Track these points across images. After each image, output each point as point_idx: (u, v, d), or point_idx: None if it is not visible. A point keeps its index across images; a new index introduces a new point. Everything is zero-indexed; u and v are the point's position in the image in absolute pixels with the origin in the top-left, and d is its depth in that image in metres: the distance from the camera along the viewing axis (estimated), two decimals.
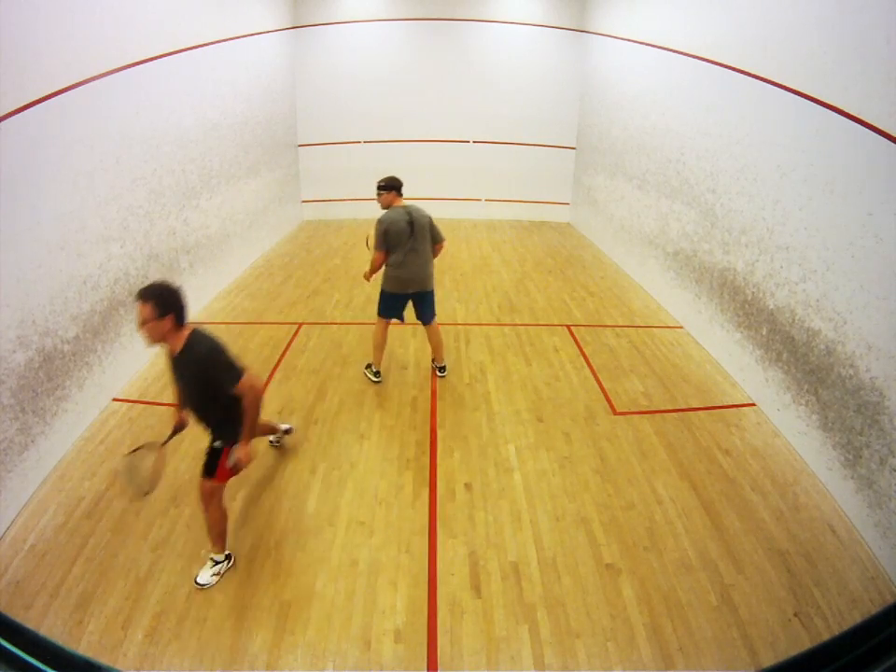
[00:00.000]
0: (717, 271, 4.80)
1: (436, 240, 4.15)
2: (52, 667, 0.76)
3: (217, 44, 5.91)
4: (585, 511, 3.10)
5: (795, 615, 2.51)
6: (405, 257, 4.00)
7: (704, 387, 4.40)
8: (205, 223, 5.84)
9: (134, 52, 4.39)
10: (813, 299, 3.53)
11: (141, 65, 4.46)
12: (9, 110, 3.04)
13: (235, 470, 2.61)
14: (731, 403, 4.20)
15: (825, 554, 2.84)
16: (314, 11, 8.74)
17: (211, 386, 2.45)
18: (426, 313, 4.29)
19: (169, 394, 4.16)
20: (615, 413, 4.04)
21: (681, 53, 5.48)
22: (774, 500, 3.22)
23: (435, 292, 4.34)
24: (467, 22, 8.88)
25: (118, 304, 4.21)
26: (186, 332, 2.42)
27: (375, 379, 4.37)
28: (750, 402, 4.19)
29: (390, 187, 4.01)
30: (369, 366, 4.45)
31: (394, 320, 4.28)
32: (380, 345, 4.31)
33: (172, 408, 2.79)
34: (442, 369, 4.50)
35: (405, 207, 4.00)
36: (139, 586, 2.61)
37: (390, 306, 4.22)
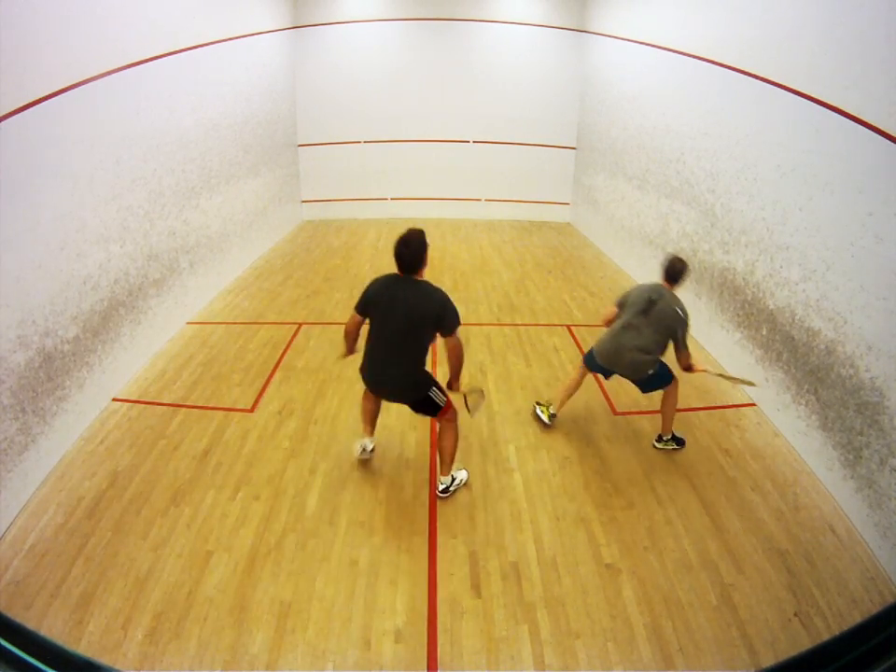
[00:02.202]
0: (717, 271, 4.80)
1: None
2: (52, 667, 0.76)
3: (217, 44, 5.91)
4: (585, 511, 3.10)
5: (795, 615, 2.51)
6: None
7: (704, 387, 4.40)
8: (205, 223, 5.84)
9: (134, 52, 4.39)
10: (813, 299, 3.53)
11: (141, 65, 4.46)
12: (9, 110, 3.04)
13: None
14: (731, 403, 4.20)
15: (825, 554, 2.85)
16: (314, 11, 8.73)
17: None
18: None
19: (169, 394, 4.19)
20: (615, 413, 4.04)
21: (681, 53, 5.48)
22: (774, 500, 3.22)
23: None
24: (467, 22, 8.87)
25: (118, 304, 4.21)
26: None
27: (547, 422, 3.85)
28: (750, 402, 4.19)
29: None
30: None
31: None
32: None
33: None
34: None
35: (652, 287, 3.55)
36: (139, 586, 2.61)
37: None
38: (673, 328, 3.37)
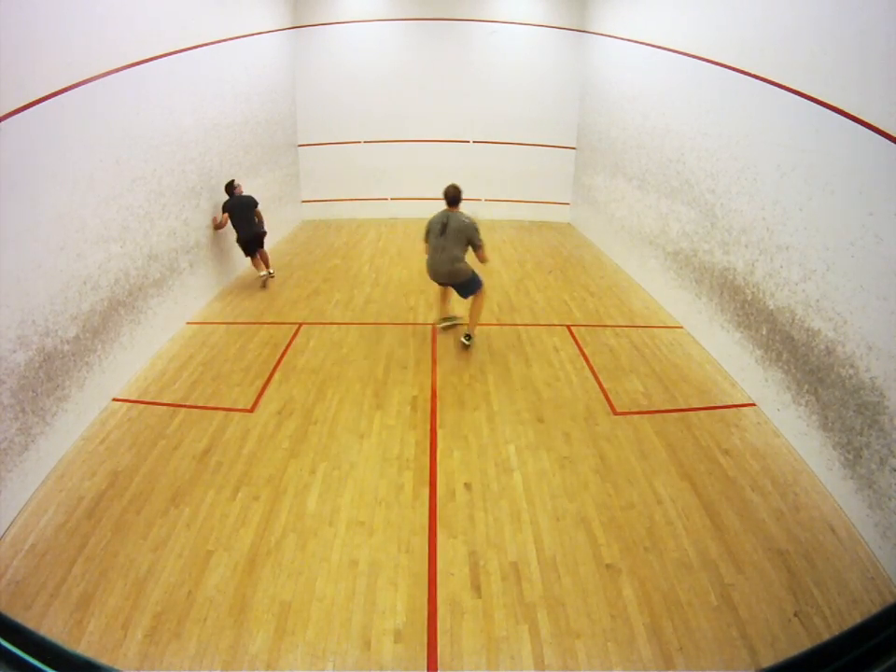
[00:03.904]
0: (717, 271, 4.80)
1: (473, 245, 4.71)
2: (52, 667, 0.76)
3: (217, 44, 5.91)
4: (585, 511, 3.10)
5: (795, 615, 2.51)
6: (433, 251, 4.77)
7: (704, 387, 4.40)
8: (205, 223, 5.85)
9: (134, 52, 4.39)
10: (813, 299, 3.53)
11: (141, 65, 4.46)
12: (9, 110, 3.04)
13: None
14: (731, 403, 4.19)
15: (825, 554, 2.84)
16: (314, 11, 8.74)
17: None
18: (461, 294, 4.99)
19: (169, 394, 4.19)
20: (615, 413, 4.04)
21: (681, 53, 5.48)
22: (774, 500, 3.22)
23: (468, 282, 4.84)
24: (467, 22, 8.87)
25: (118, 304, 4.21)
26: None
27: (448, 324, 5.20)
28: (750, 402, 4.19)
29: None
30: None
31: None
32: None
33: None
34: (468, 337, 4.97)
35: (445, 212, 4.77)
36: (139, 586, 2.61)
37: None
38: (467, 234, 4.62)
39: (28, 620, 2.40)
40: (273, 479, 3.32)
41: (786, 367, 3.81)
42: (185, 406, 4.05)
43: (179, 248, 5.24)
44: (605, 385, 4.37)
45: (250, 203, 6.18)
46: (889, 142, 2.90)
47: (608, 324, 5.55)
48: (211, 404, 4.08)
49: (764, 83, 4.07)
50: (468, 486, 3.28)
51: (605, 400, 4.19)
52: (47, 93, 3.35)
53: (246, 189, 7.11)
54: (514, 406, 4.10)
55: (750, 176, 4.26)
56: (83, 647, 2.33)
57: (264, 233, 6.37)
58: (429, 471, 3.41)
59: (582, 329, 5.41)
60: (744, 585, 2.65)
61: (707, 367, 4.72)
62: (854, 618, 2.49)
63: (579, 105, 9.09)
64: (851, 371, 3.15)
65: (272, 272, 6.43)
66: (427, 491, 3.24)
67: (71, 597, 2.55)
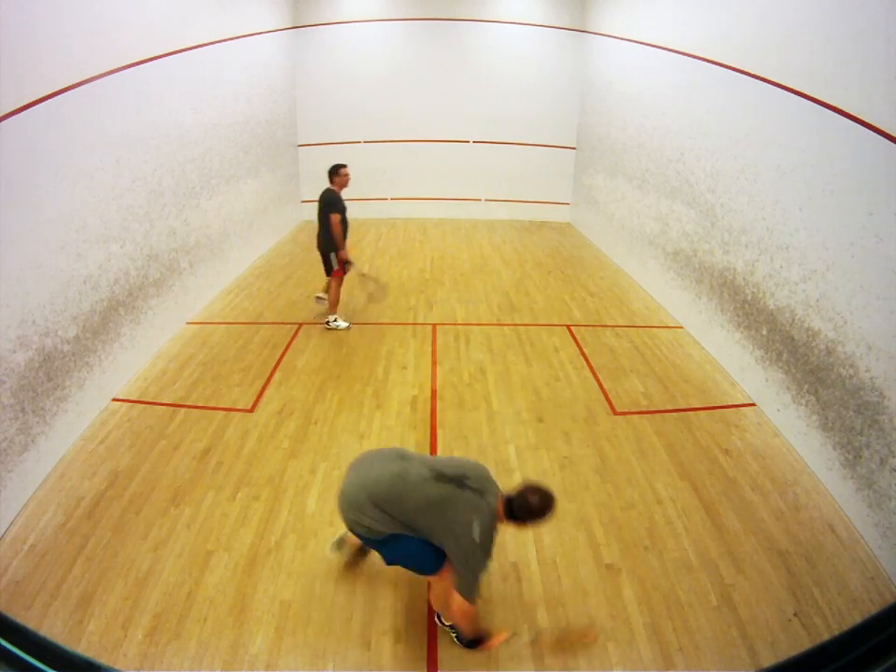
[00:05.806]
0: (717, 271, 4.80)
1: None
2: (52, 667, 0.76)
3: (216, 44, 5.91)
4: (585, 511, 3.10)
5: (795, 615, 2.51)
6: None
7: (704, 387, 4.40)
8: (205, 223, 5.84)
9: (135, 52, 4.39)
10: (813, 299, 3.53)
11: (141, 65, 4.46)
12: (9, 110, 3.04)
13: None
14: (731, 403, 4.20)
15: (825, 554, 2.85)
16: (314, 11, 8.73)
17: None
18: None
19: (169, 394, 4.19)
20: (615, 413, 4.04)
21: (681, 53, 5.48)
22: (774, 500, 3.22)
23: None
24: (467, 22, 8.87)
25: (118, 304, 4.21)
26: None
27: None
28: (750, 402, 4.19)
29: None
30: None
31: None
32: None
33: None
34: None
35: None
36: (139, 586, 2.61)
37: None
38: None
39: (28, 620, 2.40)
40: (273, 479, 3.31)
41: (786, 367, 3.81)
42: (185, 406, 4.05)
43: (179, 248, 5.24)
44: (605, 385, 4.37)
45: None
46: (889, 142, 2.90)
47: (608, 324, 5.55)
48: (211, 404, 4.08)
49: (764, 83, 4.07)
50: None
51: (605, 400, 4.19)
52: (47, 93, 3.34)
53: (246, 190, 7.12)
54: (514, 406, 4.10)
55: (750, 176, 4.26)
56: (83, 647, 2.33)
57: (325, 256, 5.16)
58: None
59: (582, 328, 5.41)
60: (744, 585, 2.65)
61: (706, 367, 4.72)
62: (854, 618, 2.49)
63: (579, 105, 9.09)
64: (851, 371, 3.15)
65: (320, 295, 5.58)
66: None
67: (71, 597, 2.55)
